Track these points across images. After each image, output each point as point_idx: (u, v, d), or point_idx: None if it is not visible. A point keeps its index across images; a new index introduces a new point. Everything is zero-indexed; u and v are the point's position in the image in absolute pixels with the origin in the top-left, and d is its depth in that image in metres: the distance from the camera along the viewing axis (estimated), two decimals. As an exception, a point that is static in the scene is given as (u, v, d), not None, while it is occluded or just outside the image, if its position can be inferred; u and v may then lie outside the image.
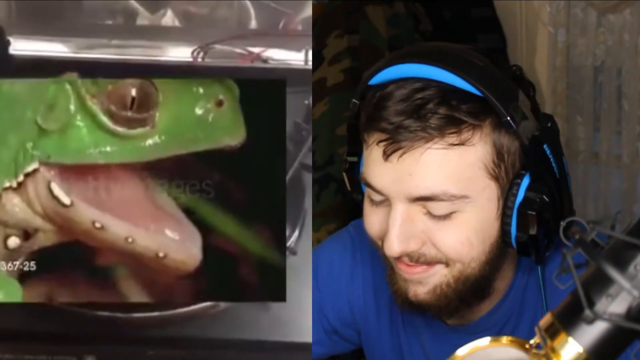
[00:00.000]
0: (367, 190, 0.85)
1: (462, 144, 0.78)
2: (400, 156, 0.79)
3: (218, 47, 1.33)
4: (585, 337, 0.55)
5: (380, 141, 0.80)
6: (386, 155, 0.79)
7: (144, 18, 1.47)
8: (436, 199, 0.79)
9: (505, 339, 0.61)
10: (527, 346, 0.59)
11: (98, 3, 1.48)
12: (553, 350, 0.56)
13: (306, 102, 1.14)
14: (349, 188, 0.91)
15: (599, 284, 0.55)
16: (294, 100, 1.19)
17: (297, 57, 1.33)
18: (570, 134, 2.27)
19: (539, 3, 2.30)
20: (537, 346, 0.58)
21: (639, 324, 0.54)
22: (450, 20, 2.30)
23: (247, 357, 0.90)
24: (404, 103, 0.78)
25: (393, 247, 0.81)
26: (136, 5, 1.47)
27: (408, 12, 2.18)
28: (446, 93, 0.78)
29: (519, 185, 0.80)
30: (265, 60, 1.34)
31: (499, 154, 0.80)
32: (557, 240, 0.82)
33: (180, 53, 1.33)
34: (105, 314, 0.89)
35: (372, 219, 0.86)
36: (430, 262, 0.83)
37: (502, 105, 0.77)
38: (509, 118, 0.77)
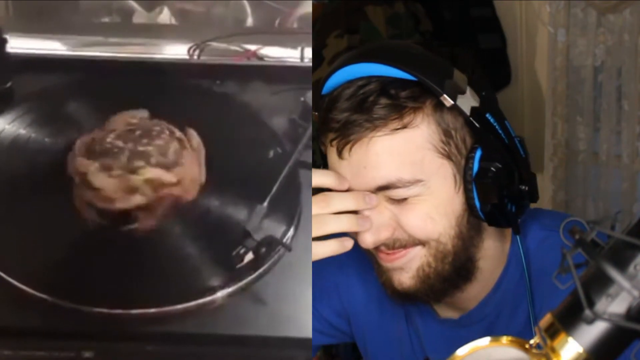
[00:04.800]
0: None
1: (405, 127, 0.83)
2: (350, 150, 0.84)
3: (214, 44, 1.34)
4: (585, 337, 0.55)
5: (333, 140, 0.85)
6: (339, 152, 0.85)
7: (140, 16, 1.47)
8: (392, 186, 0.84)
9: (505, 339, 0.60)
10: (527, 346, 0.59)
11: (95, 1, 1.48)
12: (553, 350, 0.56)
13: (302, 99, 1.14)
14: None
15: (599, 284, 0.55)
16: (290, 97, 1.19)
17: (294, 55, 1.33)
18: (570, 134, 2.27)
19: (539, 3, 2.29)
20: (537, 346, 0.58)
21: (639, 324, 0.53)
22: (450, 20, 2.30)
23: (245, 353, 0.90)
24: (349, 101, 0.83)
25: (365, 239, 0.86)
26: (132, 3, 1.47)
27: (408, 12, 2.19)
28: (386, 84, 0.83)
29: (473, 158, 0.83)
30: (261, 58, 1.34)
31: (445, 132, 0.84)
32: (530, 210, 0.88)
33: (176, 51, 1.34)
34: (104, 310, 0.89)
35: None
36: (406, 245, 0.87)
37: (436, 84, 0.81)
38: (445, 95, 0.81)
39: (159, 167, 0.99)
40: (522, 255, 0.88)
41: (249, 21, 1.49)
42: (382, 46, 0.90)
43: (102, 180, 0.97)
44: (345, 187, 0.86)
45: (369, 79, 0.83)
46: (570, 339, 0.55)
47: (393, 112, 0.82)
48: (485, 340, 0.61)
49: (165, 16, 1.47)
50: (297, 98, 1.17)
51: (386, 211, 0.86)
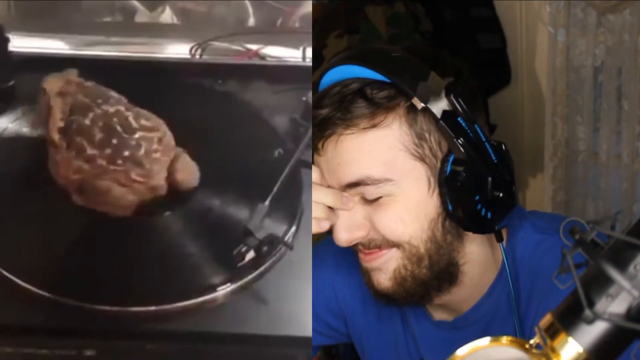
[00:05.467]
0: None
1: (374, 126, 0.83)
2: (323, 145, 0.86)
3: (216, 44, 1.34)
4: (585, 337, 0.55)
5: (314, 135, 0.87)
6: (316, 147, 0.87)
7: (142, 15, 1.47)
8: (362, 183, 0.84)
9: (505, 339, 0.61)
10: (527, 346, 0.59)
11: (97, 0, 1.48)
12: (553, 350, 0.56)
13: (304, 98, 1.15)
14: None
15: (599, 284, 0.55)
16: (292, 96, 1.19)
17: (295, 54, 1.34)
18: (570, 134, 2.27)
19: (539, 3, 2.29)
20: (537, 346, 0.58)
21: (639, 324, 0.53)
22: (450, 20, 2.30)
23: (246, 351, 0.90)
24: (331, 99, 0.85)
25: (338, 237, 0.87)
26: (135, 2, 1.47)
27: (408, 12, 2.19)
28: (364, 85, 0.84)
29: (447, 162, 0.83)
30: (262, 57, 1.34)
31: (418, 135, 0.84)
32: (519, 220, 0.89)
33: (178, 50, 1.34)
34: (105, 308, 0.89)
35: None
36: (382, 246, 0.87)
37: (408, 86, 0.82)
38: (415, 97, 0.81)
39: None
40: (505, 260, 0.88)
41: (251, 21, 1.49)
42: (366, 49, 0.93)
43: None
44: (346, 205, 0.87)
45: (352, 80, 0.85)
46: (570, 339, 0.55)
47: (366, 111, 0.83)
48: (485, 341, 0.61)
49: (167, 15, 1.47)
50: (299, 97, 1.17)
51: (361, 210, 0.86)
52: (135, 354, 0.89)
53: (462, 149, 0.82)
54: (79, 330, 0.89)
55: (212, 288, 0.92)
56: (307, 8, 1.51)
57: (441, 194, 0.84)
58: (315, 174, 0.88)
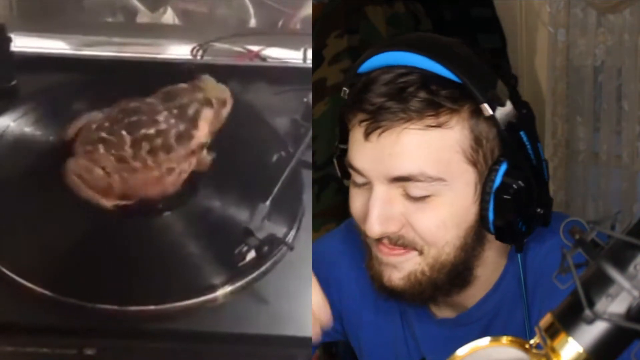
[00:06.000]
0: (352, 174, 0.88)
1: (439, 126, 0.81)
2: (380, 135, 0.82)
3: (217, 45, 1.34)
4: (585, 337, 0.55)
5: (362, 121, 0.84)
6: (366, 134, 0.83)
7: (144, 16, 1.47)
8: (413, 179, 0.82)
9: (505, 339, 0.61)
10: (527, 346, 0.59)
11: (98, 1, 1.48)
12: (553, 350, 0.56)
13: (305, 99, 1.15)
14: (339, 174, 0.94)
15: (599, 284, 0.55)
16: (293, 98, 1.19)
17: (296, 56, 1.34)
18: (570, 134, 2.27)
19: (539, 3, 2.29)
20: (537, 346, 0.58)
21: (639, 324, 0.54)
22: (450, 20, 2.29)
23: (246, 351, 0.90)
24: (387, 86, 0.82)
25: (374, 228, 0.84)
26: (136, 3, 1.47)
27: (408, 12, 2.18)
28: (427, 79, 0.81)
29: (497, 171, 0.82)
30: (264, 59, 1.35)
31: (476, 140, 0.82)
32: (538, 229, 0.86)
33: (179, 51, 1.35)
34: (106, 307, 0.89)
35: (355, 202, 0.89)
36: (408, 246, 0.86)
37: (479, 92, 0.80)
38: (485, 104, 0.80)
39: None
40: (521, 268, 0.87)
41: (252, 22, 1.49)
42: (425, 38, 0.88)
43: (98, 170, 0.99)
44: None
45: (411, 69, 0.82)
46: (570, 339, 0.55)
47: (429, 108, 0.81)
48: (485, 340, 0.61)
49: (168, 16, 1.47)
50: (299, 99, 1.17)
51: (400, 206, 0.84)
52: (136, 353, 0.89)
53: (520, 163, 0.81)
54: (79, 329, 0.89)
55: (213, 288, 0.92)
56: (308, 10, 1.51)
57: (483, 202, 0.83)
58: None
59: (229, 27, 1.46)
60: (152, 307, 0.90)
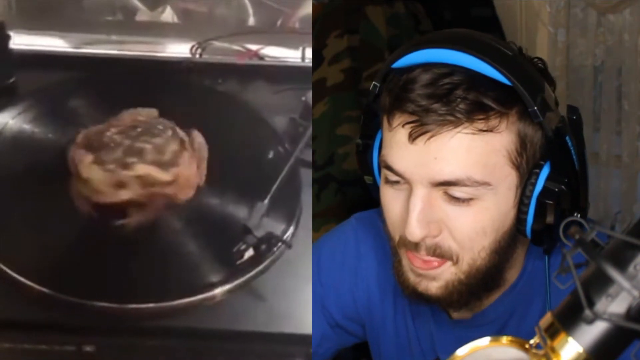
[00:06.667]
0: (384, 173, 0.85)
1: (489, 130, 0.79)
2: (428, 139, 0.79)
3: (216, 44, 1.34)
4: (585, 337, 0.55)
5: (407, 123, 0.80)
6: (412, 138, 0.80)
7: (143, 14, 1.47)
8: (460, 184, 0.80)
9: (505, 339, 0.61)
10: (527, 346, 0.59)
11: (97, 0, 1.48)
12: (553, 350, 0.56)
13: (303, 98, 1.15)
14: (360, 170, 0.91)
15: (599, 284, 0.55)
16: (291, 96, 1.20)
17: (295, 55, 1.34)
18: (570, 134, 2.26)
19: (539, 3, 2.29)
20: (537, 346, 0.58)
21: (639, 324, 0.53)
22: (450, 20, 2.30)
23: (244, 349, 0.90)
24: (432, 87, 0.78)
25: (415, 231, 0.81)
26: (136, 1, 1.47)
27: (408, 12, 2.18)
28: (474, 79, 0.78)
29: (537, 175, 0.81)
30: (262, 58, 1.35)
31: (522, 143, 0.81)
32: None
33: (179, 49, 1.34)
34: (105, 304, 0.89)
35: (393, 204, 0.85)
36: (444, 256, 0.83)
37: (529, 95, 0.78)
38: (535, 108, 0.78)
39: (154, 165, 0.99)
40: (546, 267, 0.86)
41: (251, 21, 1.49)
42: (467, 35, 0.83)
43: (93, 172, 0.98)
44: None
45: (454, 68, 0.79)
46: (570, 339, 0.55)
47: (479, 112, 0.78)
48: (485, 340, 0.61)
49: (168, 15, 1.47)
50: (298, 97, 1.17)
51: (439, 210, 0.81)
52: (135, 351, 0.90)
53: (563, 168, 0.80)
54: (78, 326, 0.89)
55: (211, 286, 0.92)
56: (307, 9, 1.51)
57: (523, 205, 0.81)
58: None
59: (228, 26, 1.46)
60: (151, 305, 0.90)
